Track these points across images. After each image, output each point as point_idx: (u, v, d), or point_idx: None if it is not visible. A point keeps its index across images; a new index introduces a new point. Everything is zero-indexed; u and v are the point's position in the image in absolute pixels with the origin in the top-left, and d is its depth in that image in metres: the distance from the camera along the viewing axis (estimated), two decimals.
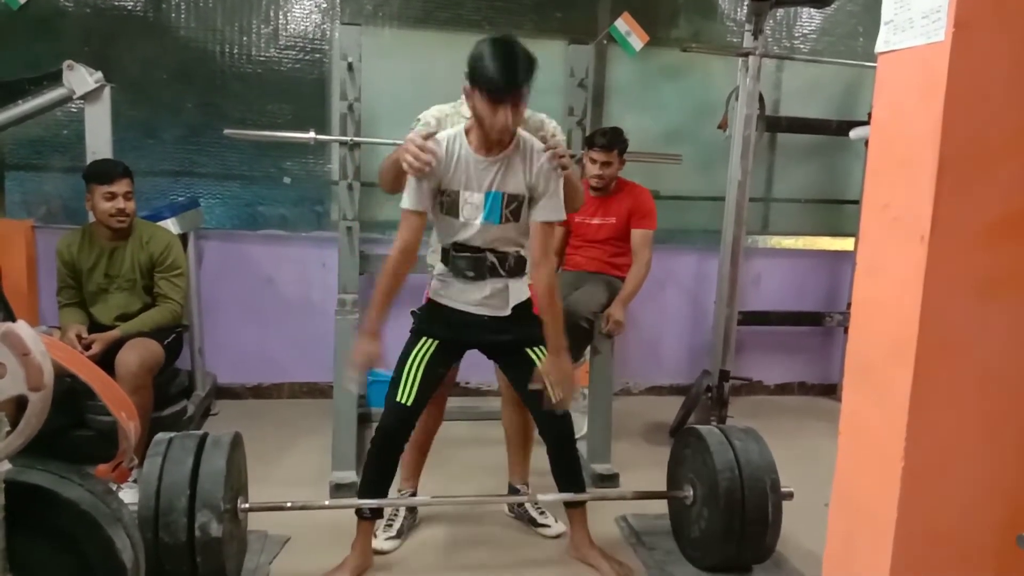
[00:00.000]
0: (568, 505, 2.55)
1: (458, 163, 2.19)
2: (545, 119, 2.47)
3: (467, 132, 2.20)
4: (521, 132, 2.22)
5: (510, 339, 2.36)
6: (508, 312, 2.32)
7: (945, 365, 1.24)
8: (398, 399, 2.32)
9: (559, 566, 2.58)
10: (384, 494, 2.41)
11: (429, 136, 2.19)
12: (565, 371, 2.25)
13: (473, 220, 2.22)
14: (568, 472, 2.49)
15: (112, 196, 3.00)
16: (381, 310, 2.24)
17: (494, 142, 2.16)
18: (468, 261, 2.27)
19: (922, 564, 1.29)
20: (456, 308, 2.33)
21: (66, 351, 1.93)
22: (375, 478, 2.38)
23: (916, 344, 1.21)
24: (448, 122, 2.39)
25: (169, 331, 3.16)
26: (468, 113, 2.20)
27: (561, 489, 2.49)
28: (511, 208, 2.23)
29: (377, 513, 2.45)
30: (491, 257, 2.26)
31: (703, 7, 4.40)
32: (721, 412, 3.71)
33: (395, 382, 2.34)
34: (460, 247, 2.27)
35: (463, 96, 2.19)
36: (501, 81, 2.00)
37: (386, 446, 2.36)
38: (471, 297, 2.31)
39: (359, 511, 2.40)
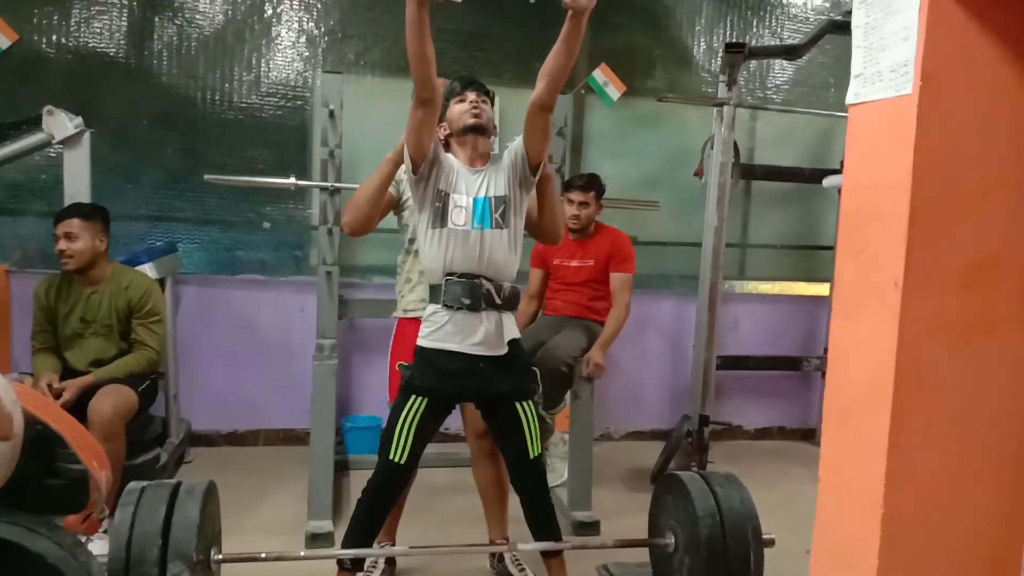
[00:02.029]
0: (545, 556, 2.51)
1: (452, 169, 2.30)
2: None
3: (454, 155, 2.36)
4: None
5: (503, 391, 2.32)
6: (504, 351, 2.28)
7: (922, 409, 1.25)
8: (391, 457, 2.28)
9: None
10: (368, 547, 2.37)
11: None
12: None
13: (464, 226, 2.24)
14: (544, 522, 2.46)
15: (58, 238, 2.99)
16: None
17: (476, 134, 2.32)
18: (463, 286, 2.22)
19: None
20: (450, 351, 2.24)
21: (38, 399, 1.90)
22: (361, 531, 2.34)
23: (892, 388, 1.23)
24: None
25: (144, 377, 3.12)
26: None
27: (537, 539, 2.46)
28: (500, 212, 2.27)
29: (358, 565, 2.42)
30: (486, 284, 2.24)
31: (679, 58, 4.51)
32: (701, 457, 3.70)
33: (387, 439, 2.29)
34: (453, 275, 2.24)
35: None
36: (460, 79, 2.40)
37: (377, 501, 2.34)
38: (467, 336, 2.23)
39: (340, 562, 2.36)
